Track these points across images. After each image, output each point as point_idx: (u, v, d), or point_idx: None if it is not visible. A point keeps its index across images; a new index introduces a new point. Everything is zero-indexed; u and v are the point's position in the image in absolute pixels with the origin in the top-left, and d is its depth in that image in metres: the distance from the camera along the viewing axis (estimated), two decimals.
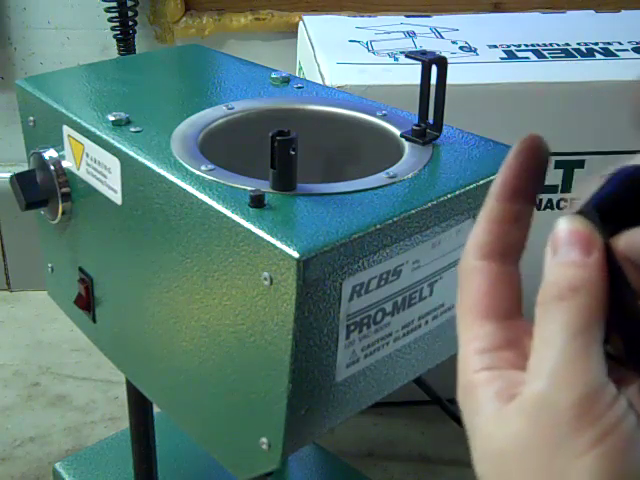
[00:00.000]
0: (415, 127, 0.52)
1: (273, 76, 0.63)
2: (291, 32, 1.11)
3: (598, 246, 0.26)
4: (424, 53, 0.51)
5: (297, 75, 0.98)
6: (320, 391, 0.46)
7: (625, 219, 0.26)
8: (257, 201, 0.43)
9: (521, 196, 0.30)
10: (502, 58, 0.88)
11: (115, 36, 1.09)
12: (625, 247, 0.26)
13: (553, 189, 0.86)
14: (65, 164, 0.58)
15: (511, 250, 0.29)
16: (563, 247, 0.27)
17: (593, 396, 0.25)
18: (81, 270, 0.61)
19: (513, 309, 0.29)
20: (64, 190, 0.59)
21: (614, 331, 0.26)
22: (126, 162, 0.51)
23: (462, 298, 0.29)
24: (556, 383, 0.25)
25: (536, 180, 0.30)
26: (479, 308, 0.29)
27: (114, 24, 1.08)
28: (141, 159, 0.50)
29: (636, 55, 0.89)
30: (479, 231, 0.30)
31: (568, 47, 0.91)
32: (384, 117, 0.56)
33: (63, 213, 0.59)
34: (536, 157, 0.30)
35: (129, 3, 1.09)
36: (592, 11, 1.07)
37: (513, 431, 0.26)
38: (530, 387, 0.26)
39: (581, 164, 0.85)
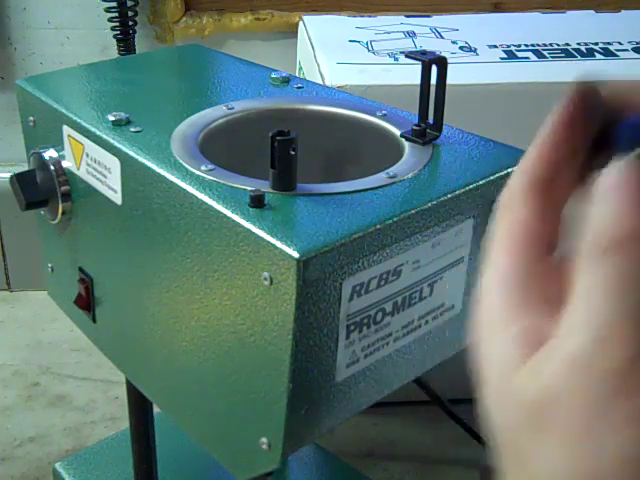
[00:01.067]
0: (415, 127, 0.52)
1: (273, 76, 0.63)
2: (291, 32, 1.11)
3: None
4: (424, 53, 0.51)
5: (297, 75, 0.98)
6: (320, 391, 0.46)
7: None
8: (257, 201, 0.43)
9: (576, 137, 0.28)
10: (502, 58, 0.88)
11: (115, 36, 1.09)
12: None
13: None
14: (65, 164, 0.58)
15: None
16: (616, 193, 0.24)
17: None
18: (81, 270, 0.61)
19: (551, 245, 0.27)
20: (64, 190, 0.59)
21: None
22: (126, 162, 0.51)
23: (501, 226, 0.28)
24: (602, 341, 0.23)
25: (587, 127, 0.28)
26: (518, 238, 0.27)
27: (114, 24, 1.08)
28: (141, 159, 0.50)
29: (636, 55, 0.89)
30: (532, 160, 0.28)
31: (568, 47, 0.91)
32: (384, 117, 0.56)
33: (63, 213, 0.59)
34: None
35: (129, 3, 1.09)
36: (592, 11, 1.07)
37: (547, 385, 0.24)
38: (569, 340, 0.24)
39: None
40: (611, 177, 0.25)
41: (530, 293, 0.26)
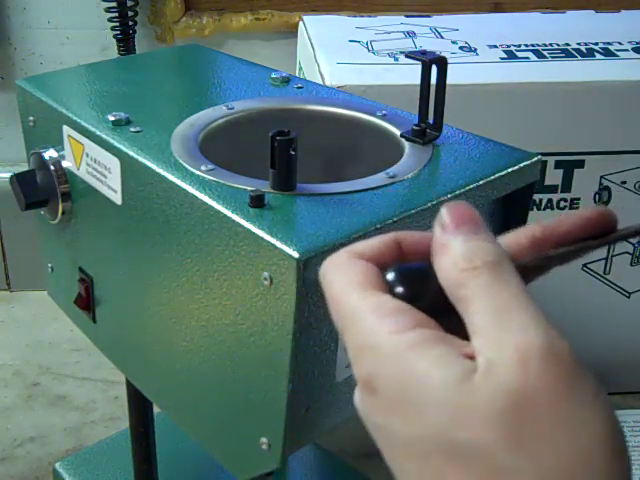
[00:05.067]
0: (415, 127, 0.52)
1: (273, 76, 0.63)
2: (291, 32, 1.11)
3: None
4: (424, 53, 0.51)
5: (297, 75, 0.98)
6: (320, 391, 0.46)
7: None
8: (257, 201, 0.43)
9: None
10: (502, 58, 0.88)
11: (115, 36, 1.09)
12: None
13: (553, 189, 0.86)
14: (65, 164, 0.58)
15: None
16: (468, 225, 0.29)
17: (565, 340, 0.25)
18: (81, 270, 0.61)
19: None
20: (64, 190, 0.59)
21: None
22: (126, 162, 0.51)
23: (341, 278, 0.30)
24: (549, 332, 0.25)
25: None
26: (369, 278, 0.29)
27: (114, 24, 1.08)
28: (141, 159, 0.50)
29: (636, 55, 0.89)
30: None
31: (568, 47, 0.91)
32: (384, 117, 0.56)
33: (63, 213, 0.59)
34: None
35: (129, 3, 1.09)
36: (592, 11, 1.06)
37: (514, 386, 0.24)
38: (522, 339, 0.25)
39: (581, 164, 0.85)
40: (453, 209, 0.30)
41: (408, 312, 0.28)
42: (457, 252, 0.28)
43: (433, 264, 0.29)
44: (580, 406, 0.24)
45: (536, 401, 0.24)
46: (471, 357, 0.26)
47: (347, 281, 0.29)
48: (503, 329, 0.25)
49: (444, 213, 0.30)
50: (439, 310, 0.28)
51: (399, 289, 0.29)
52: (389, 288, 0.29)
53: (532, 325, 0.25)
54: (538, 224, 0.31)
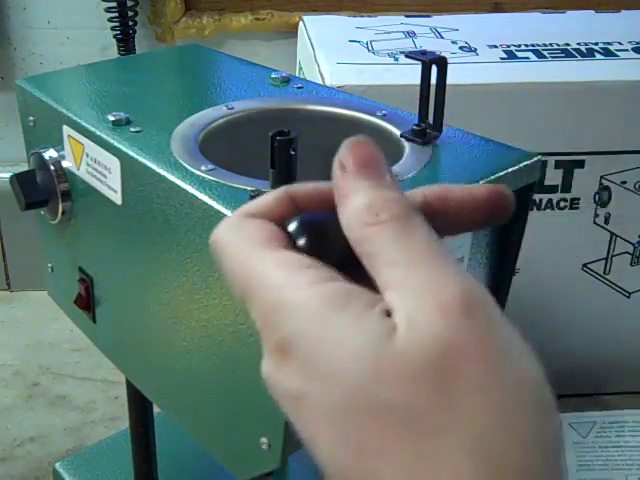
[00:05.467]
0: (415, 127, 0.52)
1: (273, 76, 0.63)
2: (291, 32, 1.11)
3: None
4: (424, 53, 0.51)
5: (297, 75, 0.98)
6: None
7: None
8: None
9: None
10: (502, 58, 0.88)
11: (115, 36, 1.09)
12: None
13: (553, 189, 0.86)
14: (65, 164, 0.58)
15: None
16: (370, 169, 0.27)
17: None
18: (81, 270, 0.61)
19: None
20: (64, 190, 0.59)
21: None
22: (126, 162, 0.51)
23: (237, 240, 0.28)
24: (467, 282, 0.24)
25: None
26: (267, 235, 0.27)
27: (114, 24, 1.08)
28: (141, 159, 0.50)
29: (636, 55, 0.89)
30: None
31: (568, 47, 0.91)
32: (384, 117, 0.56)
33: (63, 213, 0.59)
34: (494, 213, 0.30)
35: (129, 3, 1.09)
36: (592, 11, 1.07)
37: (438, 342, 0.23)
38: (441, 291, 0.23)
39: (581, 164, 0.86)
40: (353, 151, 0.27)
41: (315, 266, 0.26)
42: (360, 204, 0.26)
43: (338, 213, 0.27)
44: (506, 355, 0.23)
45: (462, 354, 0.23)
46: (387, 313, 0.24)
47: (244, 242, 0.27)
48: (419, 282, 0.24)
49: (344, 153, 0.27)
50: (348, 262, 0.26)
51: (302, 241, 0.27)
52: (291, 243, 0.27)
53: (450, 276, 0.24)
54: (431, 191, 0.29)
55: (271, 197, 0.29)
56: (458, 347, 0.23)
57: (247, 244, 0.27)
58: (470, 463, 0.22)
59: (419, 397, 0.23)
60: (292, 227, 0.28)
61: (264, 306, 0.26)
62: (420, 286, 0.24)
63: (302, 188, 0.29)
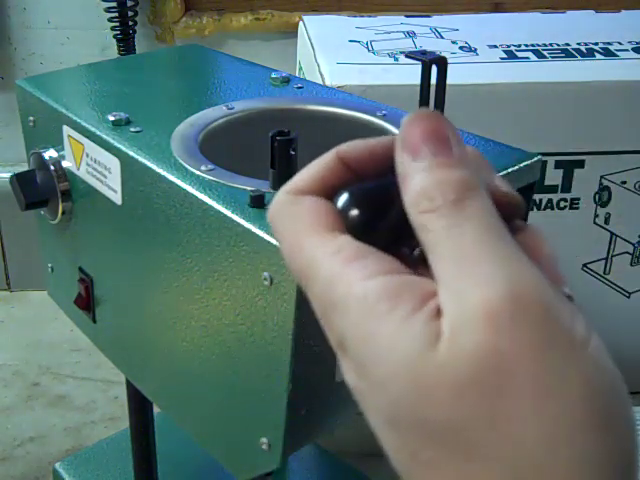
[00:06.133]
0: None
1: (273, 76, 0.63)
2: (291, 32, 1.11)
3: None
4: (424, 53, 0.50)
5: (297, 75, 0.98)
6: (320, 391, 0.46)
7: None
8: (257, 201, 0.43)
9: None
10: (502, 58, 0.88)
11: (115, 36, 1.09)
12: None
13: (553, 189, 0.86)
14: (65, 164, 0.58)
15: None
16: (431, 144, 0.25)
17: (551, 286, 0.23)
18: (81, 270, 0.61)
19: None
20: (64, 190, 0.59)
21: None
22: (126, 162, 0.51)
23: (288, 227, 0.27)
24: (520, 278, 0.22)
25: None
26: (317, 217, 0.26)
27: (114, 24, 1.08)
28: (141, 159, 0.50)
29: (636, 55, 0.89)
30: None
31: (568, 47, 0.91)
32: (384, 117, 0.56)
33: (63, 213, 0.59)
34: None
35: (129, 3, 1.09)
36: (592, 11, 1.06)
37: (485, 354, 0.21)
38: (488, 292, 0.22)
39: (581, 164, 0.85)
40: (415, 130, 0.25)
41: (369, 256, 0.25)
42: (418, 188, 0.24)
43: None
44: (560, 366, 0.21)
45: (508, 368, 0.21)
46: (438, 311, 0.23)
47: (295, 228, 0.26)
48: (465, 282, 0.22)
49: (405, 126, 0.25)
50: (405, 232, 0.25)
51: (353, 218, 0.26)
52: (342, 222, 0.26)
53: (498, 272, 0.22)
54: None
55: (322, 164, 0.28)
56: (503, 360, 0.21)
57: (299, 233, 0.26)
58: None
59: (461, 416, 0.21)
60: (341, 202, 0.26)
61: (318, 302, 0.26)
62: (466, 286, 0.22)
63: (353, 148, 0.28)
